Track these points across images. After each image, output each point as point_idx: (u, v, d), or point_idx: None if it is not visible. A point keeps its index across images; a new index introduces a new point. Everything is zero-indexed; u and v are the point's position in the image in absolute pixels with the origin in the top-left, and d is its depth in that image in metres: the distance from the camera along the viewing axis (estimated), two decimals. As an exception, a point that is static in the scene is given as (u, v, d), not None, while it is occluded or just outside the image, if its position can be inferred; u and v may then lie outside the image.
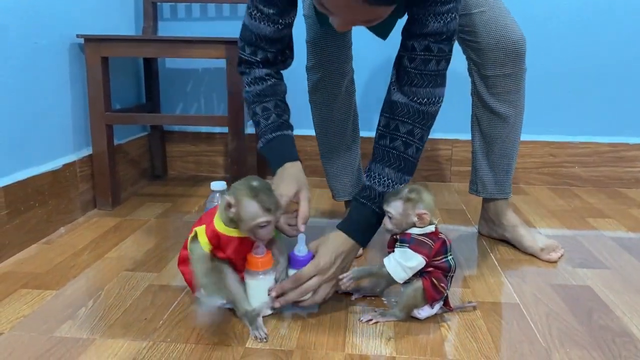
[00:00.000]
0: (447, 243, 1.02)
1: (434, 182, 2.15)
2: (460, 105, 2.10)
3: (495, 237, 1.48)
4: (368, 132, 2.03)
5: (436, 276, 1.00)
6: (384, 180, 1.07)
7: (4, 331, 0.97)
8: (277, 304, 1.01)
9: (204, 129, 2.18)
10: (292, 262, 1.03)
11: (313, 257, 1.03)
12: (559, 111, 2.08)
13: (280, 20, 1.10)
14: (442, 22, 1.01)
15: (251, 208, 0.92)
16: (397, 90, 1.08)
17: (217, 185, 1.26)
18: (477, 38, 1.30)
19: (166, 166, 2.21)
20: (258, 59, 1.15)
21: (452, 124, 2.11)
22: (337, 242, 1.05)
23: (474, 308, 1.09)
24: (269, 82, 1.16)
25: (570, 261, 1.34)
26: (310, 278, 1.00)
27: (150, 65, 2.05)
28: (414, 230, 1.01)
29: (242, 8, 2.08)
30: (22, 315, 1.03)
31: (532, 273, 1.27)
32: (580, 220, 1.69)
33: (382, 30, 1.12)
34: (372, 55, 2.05)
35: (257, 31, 1.11)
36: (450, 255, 1.02)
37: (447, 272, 1.01)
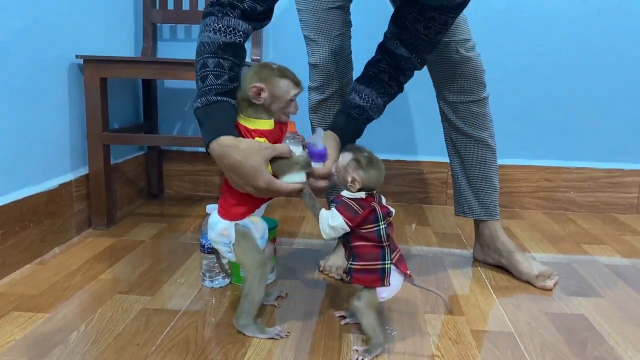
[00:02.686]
0: (378, 211, 0.99)
1: (429, 204, 2.15)
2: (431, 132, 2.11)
3: (490, 263, 1.48)
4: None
5: (362, 257, 0.99)
6: (374, 108, 1.21)
7: (-5, 355, 0.97)
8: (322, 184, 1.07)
9: (201, 148, 2.18)
10: (313, 154, 1.06)
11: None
12: (554, 136, 2.10)
13: None
14: None
15: (283, 84, 0.99)
16: (402, 45, 1.18)
17: (213, 208, 1.25)
18: (438, 66, 1.38)
19: (162, 185, 2.21)
20: (244, 6, 1.03)
21: (438, 146, 2.12)
22: (335, 143, 1.15)
23: (449, 310, 1.08)
24: (238, 40, 1.02)
25: (565, 289, 1.34)
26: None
27: (148, 85, 2.06)
28: (345, 193, 1.01)
29: (241, 30, 2.10)
30: (13, 339, 1.02)
31: (526, 300, 1.27)
32: (575, 246, 1.69)
33: None
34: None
35: None
36: (383, 224, 0.99)
37: (377, 242, 0.99)
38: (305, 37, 1.38)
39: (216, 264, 1.25)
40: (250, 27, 1.06)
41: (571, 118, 2.08)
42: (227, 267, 1.28)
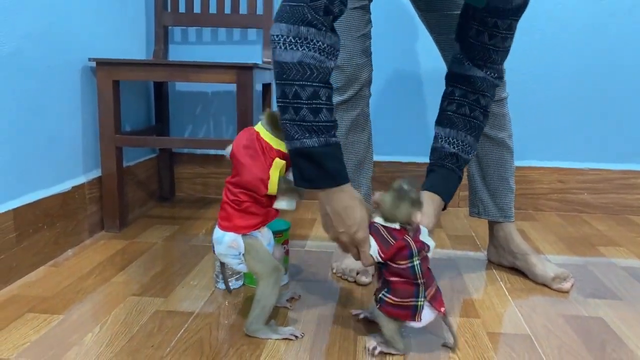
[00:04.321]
0: (412, 247, 0.95)
1: (442, 207, 2.13)
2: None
3: (505, 265, 1.47)
4: (378, 156, 2.05)
5: (396, 293, 0.96)
6: (467, 148, 1.14)
7: (10, 357, 0.96)
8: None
9: (212, 151, 2.19)
10: None
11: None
12: (568, 138, 2.08)
13: None
14: None
15: None
16: (472, 65, 1.12)
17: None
18: None
19: (174, 188, 2.21)
20: (336, 11, 0.94)
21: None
22: (436, 205, 1.11)
23: (450, 347, 1.03)
24: (334, 62, 0.96)
25: (582, 291, 1.33)
26: None
27: (160, 87, 2.07)
28: (377, 219, 0.98)
29: (252, 33, 2.11)
30: (28, 340, 1.02)
31: (542, 303, 1.26)
32: (590, 248, 1.67)
33: None
34: (385, 77, 2.07)
35: None
36: (417, 260, 0.95)
37: (412, 279, 0.95)
38: None
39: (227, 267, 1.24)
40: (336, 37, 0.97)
41: (585, 119, 2.06)
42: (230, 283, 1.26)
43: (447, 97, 1.16)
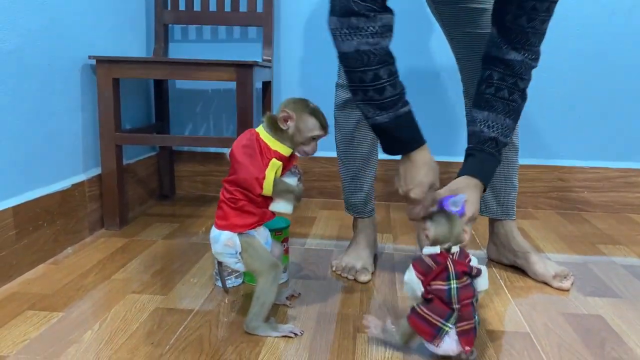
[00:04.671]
0: (450, 270, 0.94)
1: (442, 205, 2.13)
2: (453, 128, 2.09)
3: (504, 263, 1.47)
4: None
5: (430, 307, 0.94)
6: (506, 132, 1.14)
7: (9, 354, 0.97)
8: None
9: (212, 149, 2.19)
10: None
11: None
12: (568, 136, 2.08)
13: None
14: None
15: (310, 123, 1.03)
16: (510, 49, 1.11)
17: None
18: (471, 60, 1.33)
19: (174, 186, 2.21)
20: None
21: (460, 146, 2.11)
22: (477, 189, 1.11)
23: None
24: (391, 36, 1.02)
25: (582, 289, 1.33)
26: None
27: (160, 85, 2.07)
28: (425, 248, 0.99)
29: (252, 31, 2.11)
30: (27, 337, 1.02)
31: (542, 301, 1.26)
32: (590, 246, 1.67)
33: None
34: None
35: None
36: (455, 284, 0.94)
37: (446, 302, 0.93)
38: None
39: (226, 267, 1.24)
40: (392, 17, 1.02)
41: (585, 118, 2.06)
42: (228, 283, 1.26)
43: (485, 80, 1.15)
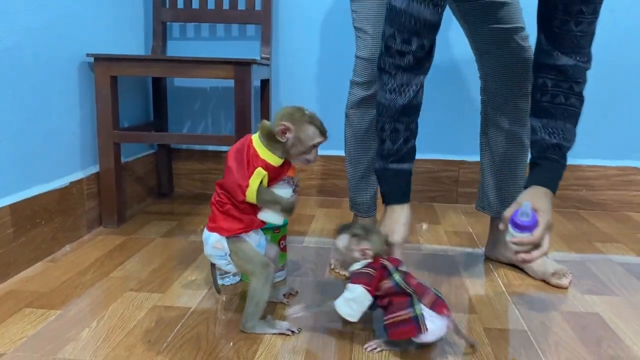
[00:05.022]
0: (390, 266, 1.00)
1: (440, 203, 2.14)
2: (467, 127, 2.10)
3: (502, 261, 1.47)
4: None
5: (389, 310, 0.97)
6: (568, 136, 1.13)
7: (7, 352, 0.97)
8: (521, 258, 1.06)
9: (210, 147, 2.18)
10: (518, 227, 1.04)
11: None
12: (566, 134, 2.07)
13: (442, 2, 1.05)
14: None
15: (310, 131, 1.02)
16: (562, 54, 1.11)
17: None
18: (491, 56, 1.32)
19: (172, 184, 2.21)
20: (412, 48, 1.05)
21: (459, 145, 2.11)
22: (547, 197, 1.09)
23: (472, 347, 1.01)
24: (412, 93, 1.09)
25: (579, 287, 1.33)
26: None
27: (159, 83, 2.07)
28: (354, 266, 1.03)
29: (250, 29, 2.10)
30: (25, 335, 1.02)
31: (540, 299, 1.26)
32: (588, 244, 1.67)
33: None
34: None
35: (417, 15, 1.03)
36: (397, 274, 0.99)
37: (399, 292, 0.97)
38: (357, 29, 1.35)
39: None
40: (422, 76, 1.10)
41: (583, 116, 2.05)
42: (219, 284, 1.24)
43: (539, 89, 1.15)
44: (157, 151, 2.13)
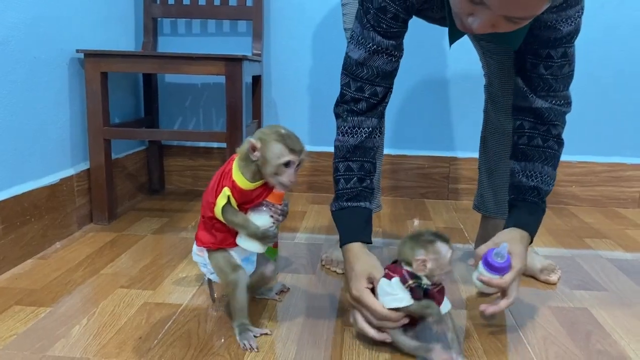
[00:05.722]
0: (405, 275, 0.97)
1: (431, 199, 2.14)
2: (459, 124, 2.11)
3: (492, 257, 1.47)
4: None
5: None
6: (547, 179, 1.12)
7: (-3, 349, 0.96)
8: (483, 307, 1.02)
9: (202, 143, 2.18)
10: (490, 267, 1.01)
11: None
12: (556, 130, 2.09)
13: (397, 53, 1.07)
14: (573, 24, 1.04)
15: (276, 149, 0.95)
16: (536, 97, 1.10)
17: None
18: (497, 55, 1.31)
19: (163, 180, 2.21)
20: (365, 95, 1.08)
21: (450, 141, 2.12)
22: (524, 242, 1.07)
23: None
24: (364, 135, 1.10)
25: (568, 283, 1.34)
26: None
27: (149, 79, 2.06)
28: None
29: (241, 25, 2.10)
30: (15, 332, 1.02)
31: (529, 294, 1.27)
32: (577, 240, 1.68)
33: (515, 38, 1.05)
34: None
35: (372, 66, 1.06)
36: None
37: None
38: (348, 30, 1.35)
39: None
40: (375, 119, 1.11)
41: (573, 112, 2.06)
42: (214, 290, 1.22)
43: (516, 131, 1.14)
44: (148, 148, 2.12)
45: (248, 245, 1.02)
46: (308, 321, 1.10)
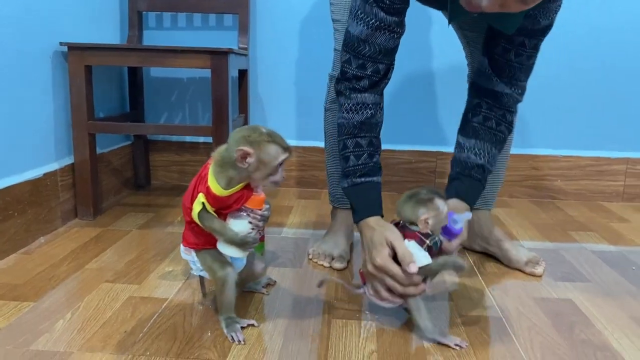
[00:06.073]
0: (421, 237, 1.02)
1: (418, 194, 2.15)
2: (445, 118, 2.11)
3: (476, 250, 1.48)
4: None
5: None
6: (492, 161, 1.15)
7: (-21, 344, 0.95)
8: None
9: (188, 138, 2.17)
10: (447, 232, 1.04)
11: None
12: (542, 125, 2.10)
13: (399, 30, 1.07)
14: (550, 19, 1.06)
15: (272, 150, 0.95)
16: (500, 82, 1.13)
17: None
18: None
19: (149, 176, 2.19)
20: (368, 72, 1.08)
21: (436, 136, 2.12)
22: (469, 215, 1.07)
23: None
24: (369, 112, 1.10)
25: (553, 274, 1.35)
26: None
27: (135, 74, 2.04)
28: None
29: (227, 19, 2.09)
30: (-3, 327, 1.01)
31: (514, 286, 1.28)
32: (562, 233, 1.70)
33: (513, 22, 1.04)
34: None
35: (373, 42, 1.06)
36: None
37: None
38: (335, 21, 1.34)
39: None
40: (378, 95, 1.12)
41: (558, 107, 2.09)
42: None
43: (472, 109, 1.16)
44: (133, 142, 2.11)
45: (228, 251, 1.01)
46: (295, 314, 1.10)
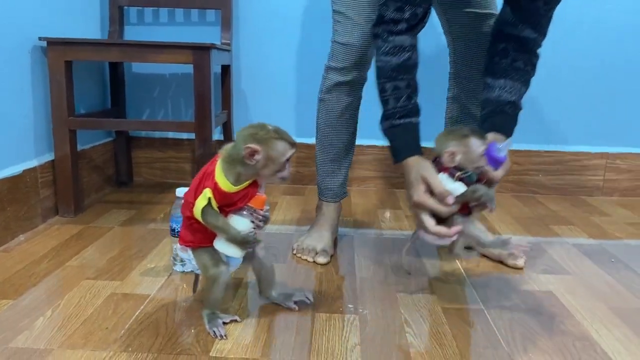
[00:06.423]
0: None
1: (402, 189, 2.16)
2: (430, 114, 2.12)
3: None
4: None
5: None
6: (521, 97, 1.20)
7: (-44, 343, 0.94)
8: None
9: (170, 134, 2.15)
10: (493, 161, 1.07)
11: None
12: (523, 120, 2.11)
13: None
14: None
15: (280, 147, 0.96)
16: (526, 27, 1.16)
17: (183, 191, 1.23)
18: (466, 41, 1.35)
19: (132, 173, 2.17)
20: (405, 16, 1.10)
21: (422, 132, 2.13)
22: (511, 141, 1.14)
23: None
24: (406, 55, 1.13)
25: (534, 268, 1.37)
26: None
27: (116, 69, 2.02)
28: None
29: (210, 14, 2.07)
30: (-24, 325, 0.99)
31: (496, 279, 1.29)
32: (543, 227, 1.72)
33: None
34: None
35: None
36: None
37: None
38: (337, 12, 1.34)
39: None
40: (414, 38, 1.13)
41: (539, 103, 2.11)
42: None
43: (499, 53, 1.19)
44: (115, 139, 2.09)
45: (226, 250, 1.00)
46: (278, 308, 1.10)
